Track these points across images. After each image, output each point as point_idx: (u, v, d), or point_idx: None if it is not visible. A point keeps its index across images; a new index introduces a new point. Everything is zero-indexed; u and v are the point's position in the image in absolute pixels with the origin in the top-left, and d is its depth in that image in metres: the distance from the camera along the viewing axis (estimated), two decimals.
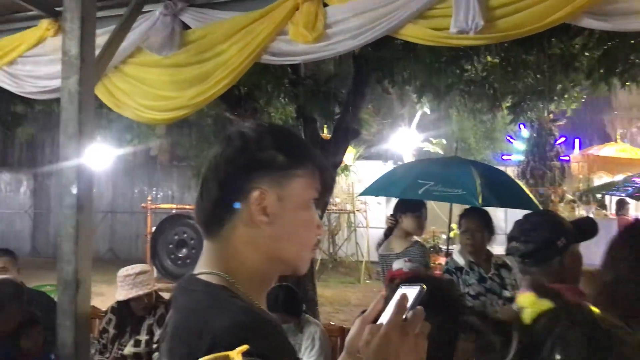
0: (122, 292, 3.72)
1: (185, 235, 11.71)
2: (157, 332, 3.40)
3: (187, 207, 13.14)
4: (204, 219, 1.24)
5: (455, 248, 4.77)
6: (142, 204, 12.69)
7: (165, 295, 3.85)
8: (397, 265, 4.08)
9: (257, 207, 1.18)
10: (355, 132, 7.13)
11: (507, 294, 4.03)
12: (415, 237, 4.79)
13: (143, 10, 4.65)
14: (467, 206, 4.69)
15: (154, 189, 17.06)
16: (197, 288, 1.18)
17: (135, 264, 4.29)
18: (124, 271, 4.05)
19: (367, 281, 13.41)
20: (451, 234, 12.56)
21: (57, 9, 5.08)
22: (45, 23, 5.15)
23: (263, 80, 5.85)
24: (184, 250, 11.72)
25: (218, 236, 1.22)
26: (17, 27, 5.47)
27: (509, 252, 2.40)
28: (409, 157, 14.63)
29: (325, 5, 4.21)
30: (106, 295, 8.70)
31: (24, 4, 5.22)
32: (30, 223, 18.18)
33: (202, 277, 1.20)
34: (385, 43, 5.20)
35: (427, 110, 12.65)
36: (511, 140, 15.52)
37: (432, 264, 6.38)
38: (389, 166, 13.95)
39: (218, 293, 1.15)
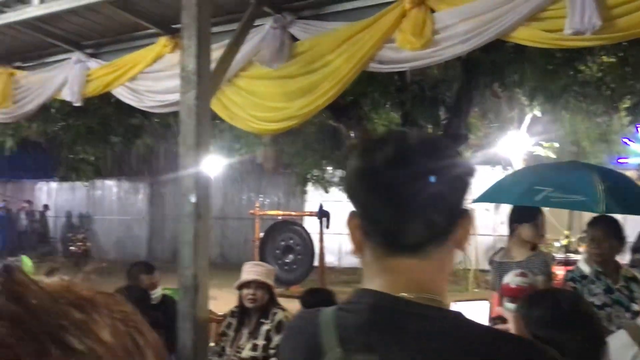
0: (242, 275, 3.85)
1: (291, 241, 11.92)
2: (275, 338, 3.49)
3: (293, 213, 13.40)
4: (414, 237, 1.11)
5: (580, 256, 4.57)
6: (250, 211, 13.07)
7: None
8: (507, 278, 3.94)
9: (468, 230, 1.16)
10: (464, 137, 7.00)
11: (635, 307, 3.82)
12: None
13: (254, 24, 4.81)
14: (590, 213, 4.49)
15: (261, 196, 17.55)
16: (434, 314, 1.08)
17: None
18: (250, 263, 4.26)
19: (476, 290, 13.08)
20: (564, 242, 11.97)
21: (173, 26, 5.36)
22: (163, 40, 5.45)
23: (369, 88, 5.88)
24: (290, 256, 11.93)
25: (428, 256, 1.11)
26: (137, 45, 5.82)
27: (633, 264, 2.26)
28: (518, 162, 14.14)
29: (432, 11, 4.17)
30: (218, 299, 9.01)
31: (143, 23, 5.55)
32: (147, 229, 19.23)
33: (417, 300, 1.09)
34: (495, 46, 5.08)
35: (537, 113, 12.19)
36: (628, 142, 14.63)
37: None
38: (497, 171, 13.54)
39: (469, 321, 1.08)
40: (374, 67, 4.49)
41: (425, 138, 1.22)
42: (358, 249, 1.16)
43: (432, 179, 1.08)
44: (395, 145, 1.13)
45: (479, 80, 6.15)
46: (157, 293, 4.83)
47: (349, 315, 1.10)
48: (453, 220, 1.12)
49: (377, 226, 1.11)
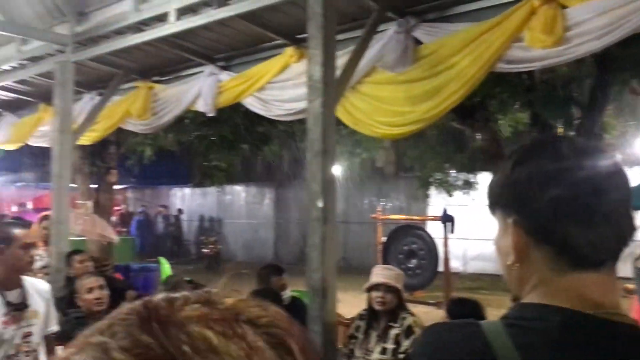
0: (372, 278, 3.89)
1: (414, 246, 11.80)
2: (405, 343, 3.49)
3: (416, 218, 13.26)
4: (606, 253, 1.04)
5: None
6: (372, 215, 13.09)
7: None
8: None
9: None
10: (598, 137, 6.62)
11: None
12: None
13: (377, 30, 4.85)
14: None
15: (382, 200, 17.54)
16: (631, 332, 1.02)
17: (367, 272, 4.46)
18: (380, 266, 4.29)
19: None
20: None
21: (298, 36, 5.53)
22: (289, 51, 5.63)
23: (497, 88, 5.72)
24: (414, 260, 11.81)
25: (610, 271, 1.06)
26: (264, 57, 6.05)
27: None
28: None
29: (563, 7, 3.99)
30: (342, 302, 9.11)
31: (270, 35, 5.76)
32: (273, 232, 19.84)
33: (609, 317, 1.03)
34: (634, 40, 4.77)
35: None
36: None
37: None
38: (635, 173, 12.64)
39: None
40: (502, 67, 4.37)
41: (596, 148, 1.11)
42: (519, 260, 1.07)
43: (624, 194, 1.03)
44: (588, 167, 1.04)
45: (616, 77, 5.79)
46: (286, 294, 4.97)
47: (530, 333, 1.01)
48: (633, 233, 1.05)
49: (565, 242, 1.03)
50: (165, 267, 12.38)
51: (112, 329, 0.49)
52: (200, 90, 6.30)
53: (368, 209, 17.05)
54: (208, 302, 0.53)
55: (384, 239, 12.15)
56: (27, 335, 3.00)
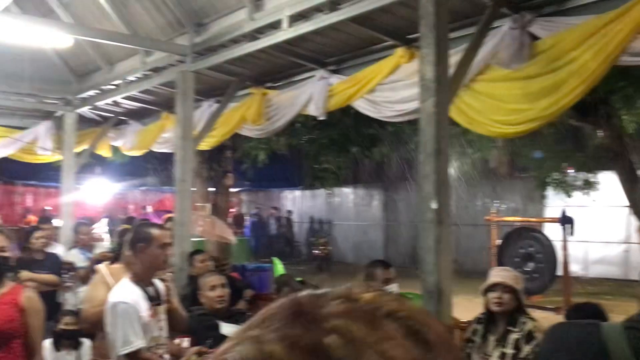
0: (489, 279, 3.80)
1: (531, 248, 11.37)
2: (525, 348, 3.38)
3: (532, 220, 12.77)
4: None
5: None
6: (486, 217, 12.75)
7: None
8: None
9: None
10: None
11: None
12: None
13: (491, 26, 4.73)
14: None
15: (496, 201, 17.02)
16: None
17: (480, 276, 4.34)
18: (498, 267, 4.19)
19: None
20: None
21: (409, 36, 5.50)
22: (399, 51, 5.61)
23: (621, 83, 5.40)
24: (530, 264, 11.37)
25: None
26: (374, 59, 6.07)
27: None
28: None
29: None
30: (455, 305, 8.93)
31: (380, 36, 5.77)
32: (382, 234, 19.81)
33: None
34: None
35: None
36: None
37: None
38: None
39: None
40: (626, 60, 4.13)
41: None
42: None
43: None
44: None
45: None
46: (392, 289, 4.92)
47: None
48: None
49: None
50: (279, 267, 12.69)
51: (265, 323, 0.54)
52: (312, 94, 6.41)
53: (481, 211, 16.59)
54: (349, 297, 0.56)
55: (498, 241, 11.81)
56: (161, 329, 3.20)
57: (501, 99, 4.71)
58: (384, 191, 19.94)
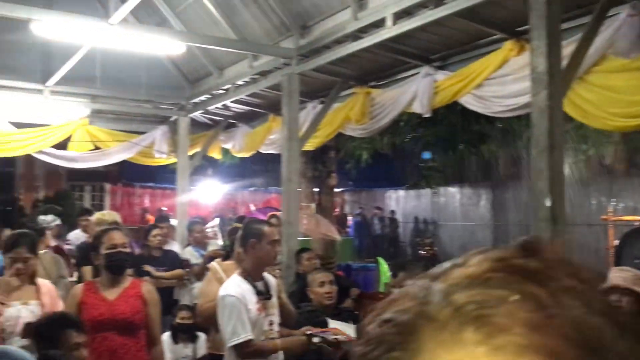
0: (608, 280, 3.60)
1: None
2: None
3: None
4: None
5: None
6: (602, 216, 12.08)
7: None
8: None
9: None
10: None
11: None
12: None
13: (607, 14, 4.48)
14: None
15: (613, 200, 16.08)
16: None
17: None
18: (616, 268, 3.97)
19: None
20: None
21: (518, 29, 5.32)
22: (508, 44, 5.43)
23: None
24: None
25: None
26: (481, 53, 5.92)
27: None
28: None
29: None
30: None
31: (487, 30, 5.63)
32: (490, 234, 19.24)
33: None
34: None
35: None
36: None
37: None
38: None
39: None
40: None
41: None
42: None
43: None
44: None
45: None
46: None
47: None
48: None
49: None
50: (384, 268, 12.66)
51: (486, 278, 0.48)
52: (416, 91, 6.35)
53: (595, 211, 15.74)
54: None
55: (616, 242, 11.16)
56: (271, 323, 3.29)
57: (618, 91, 4.44)
58: (492, 190, 19.33)
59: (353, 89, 7.26)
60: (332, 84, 7.38)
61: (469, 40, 5.98)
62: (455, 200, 20.53)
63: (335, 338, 3.40)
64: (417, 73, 6.52)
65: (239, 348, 3.13)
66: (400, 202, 22.65)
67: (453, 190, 20.21)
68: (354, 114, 7.09)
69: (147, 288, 3.61)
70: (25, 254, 3.52)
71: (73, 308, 3.43)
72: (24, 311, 3.49)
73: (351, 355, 0.53)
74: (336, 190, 14.09)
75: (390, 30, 5.65)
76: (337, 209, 20.37)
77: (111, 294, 3.49)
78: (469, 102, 5.92)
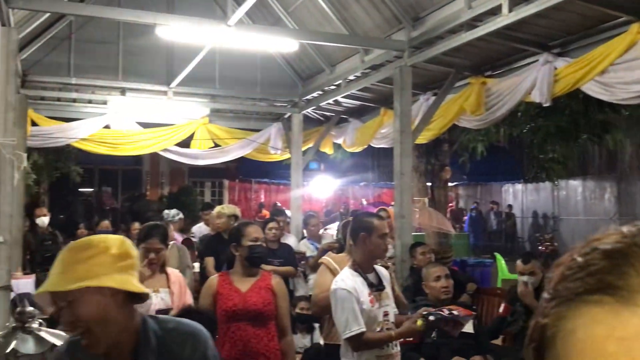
0: None
1: None
2: None
3: None
4: None
5: None
6: None
7: None
8: None
9: None
10: None
11: None
12: None
13: None
14: None
15: None
16: None
17: None
18: None
19: None
20: None
21: None
22: (635, 27, 5.09)
23: None
24: None
25: None
26: (605, 37, 5.59)
27: None
28: None
29: None
30: None
31: (611, 12, 5.31)
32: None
33: None
34: None
35: None
36: None
37: None
38: None
39: None
40: None
41: None
42: None
43: None
44: None
45: None
46: None
47: None
48: None
49: None
50: (502, 264, 12.30)
51: None
52: (535, 80, 6.11)
53: None
54: None
55: None
56: (386, 314, 3.30)
57: None
58: (618, 182, 18.20)
59: (468, 79, 7.10)
60: (446, 75, 7.26)
61: (591, 24, 5.67)
62: (577, 194, 19.52)
63: (451, 313, 3.35)
64: (535, 61, 6.27)
65: (353, 340, 3.17)
66: (518, 196, 21.86)
67: (575, 183, 19.23)
68: (469, 105, 6.94)
69: (276, 280, 3.75)
70: (157, 244, 3.75)
71: (209, 298, 3.62)
72: (155, 298, 3.73)
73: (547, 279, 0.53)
74: (450, 184, 13.84)
75: (506, 18, 5.47)
76: (452, 204, 20.01)
77: (244, 286, 3.64)
78: (592, 89, 5.62)
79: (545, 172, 10.82)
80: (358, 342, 3.17)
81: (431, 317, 3.28)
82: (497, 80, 6.86)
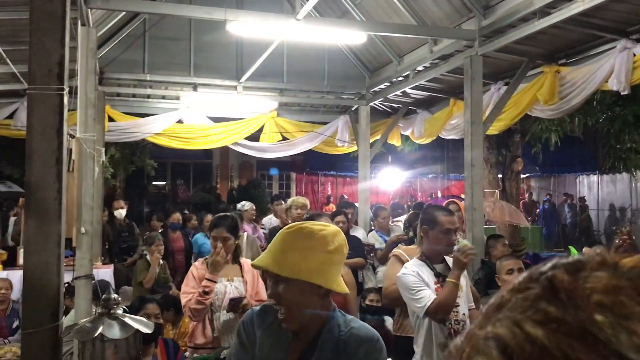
0: None
1: None
2: None
3: None
4: None
5: None
6: None
7: None
8: None
9: None
10: None
11: None
12: None
13: None
14: None
15: None
16: None
17: None
18: None
19: None
20: None
21: None
22: None
23: None
24: None
25: None
26: None
27: None
28: None
29: None
30: None
31: None
32: None
33: None
34: None
35: None
36: None
37: None
38: None
39: None
40: None
41: None
42: None
43: None
44: None
45: None
46: None
47: None
48: None
49: None
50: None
51: (516, 304, 0.48)
52: (612, 67, 5.88)
53: None
54: (606, 265, 0.48)
55: None
56: (456, 306, 3.28)
57: None
58: None
59: (541, 67, 6.90)
60: (518, 64, 7.08)
61: None
62: None
63: None
64: (612, 47, 6.04)
65: (431, 314, 3.18)
66: (593, 187, 21.08)
67: None
68: (542, 94, 6.75)
69: (344, 270, 3.78)
70: (224, 233, 3.85)
71: None
72: (229, 287, 3.83)
73: None
74: (522, 176, 13.50)
75: (582, 4, 5.28)
76: (524, 196, 19.51)
77: None
78: None
79: (622, 163, 10.39)
80: (433, 312, 3.16)
81: None
82: (571, 68, 6.65)
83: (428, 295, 3.20)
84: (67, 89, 2.42)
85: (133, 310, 3.71)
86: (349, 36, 7.12)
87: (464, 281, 3.47)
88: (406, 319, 3.90)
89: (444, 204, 7.26)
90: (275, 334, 1.89)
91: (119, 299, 2.52)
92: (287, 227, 1.89)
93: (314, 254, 1.77)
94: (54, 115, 2.36)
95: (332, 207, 16.94)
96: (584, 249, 5.07)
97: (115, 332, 2.42)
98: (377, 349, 1.86)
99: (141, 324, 2.56)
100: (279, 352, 1.86)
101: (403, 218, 7.56)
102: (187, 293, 3.73)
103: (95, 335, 2.33)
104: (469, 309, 3.46)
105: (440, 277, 3.34)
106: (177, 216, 9.92)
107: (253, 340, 1.93)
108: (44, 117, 2.37)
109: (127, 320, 2.48)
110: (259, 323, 1.94)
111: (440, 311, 3.18)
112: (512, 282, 0.51)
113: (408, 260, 3.59)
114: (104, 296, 2.51)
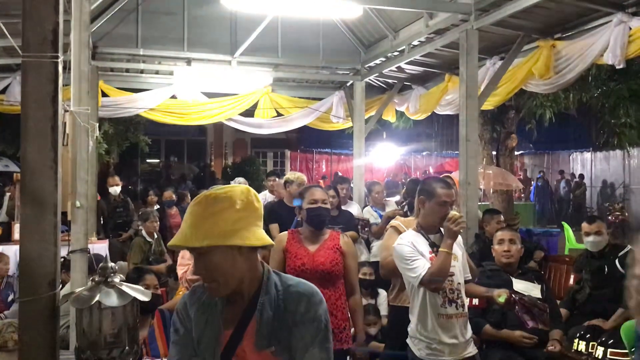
0: None
1: None
2: None
3: None
4: None
5: None
6: None
7: None
8: None
9: None
10: None
11: None
12: None
13: None
14: None
15: None
16: None
17: None
18: None
19: None
20: None
21: None
22: None
23: None
24: None
25: None
26: None
27: None
28: None
29: None
30: None
31: None
32: None
33: None
34: None
35: None
36: None
37: None
38: None
39: None
40: None
41: None
42: None
43: None
44: None
45: None
46: None
47: None
48: None
49: None
50: (569, 233, 12.00)
51: None
52: (608, 41, 5.87)
53: None
54: None
55: None
56: (451, 275, 3.31)
57: None
58: None
59: (536, 42, 6.88)
60: (513, 39, 7.05)
61: None
62: None
63: (535, 304, 3.49)
64: (608, 21, 6.01)
65: (425, 283, 3.22)
66: (587, 164, 21.20)
67: None
68: (538, 69, 6.73)
69: (345, 240, 3.82)
70: None
71: (280, 253, 3.75)
72: None
73: None
74: (516, 152, 13.54)
75: None
76: (519, 173, 19.56)
77: (312, 246, 3.75)
78: None
79: (617, 138, 10.42)
80: (427, 282, 3.21)
81: (514, 297, 3.39)
82: (567, 42, 6.62)
83: (423, 265, 3.23)
84: (61, 57, 2.39)
85: (131, 281, 3.72)
86: (344, 9, 7.06)
87: (460, 252, 3.49)
88: (402, 291, 3.94)
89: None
90: (207, 307, 1.88)
91: (116, 267, 2.53)
92: (193, 200, 1.86)
93: (224, 216, 1.73)
94: (49, 83, 2.34)
95: (325, 183, 16.96)
96: (582, 224, 5.11)
97: (112, 300, 2.41)
98: (317, 302, 1.86)
99: (139, 292, 2.56)
100: (214, 324, 1.85)
101: (397, 198, 7.60)
102: (184, 265, 3.75)
103: (92, 303, 2.33)
104: (465, 280, 3.50)
105: (435, 247, 3.37)
106: (169, 194, 9.95)
107: (190, 325, 1.90)
108: (39, 85, 2.35)
109: (124, 288, 2.48)
110: (191, 304, 1.92)
111: (435, 280, 3.22)
112: None
113: (405, 231, 3.61)
114: (100, 264, 2.51)
